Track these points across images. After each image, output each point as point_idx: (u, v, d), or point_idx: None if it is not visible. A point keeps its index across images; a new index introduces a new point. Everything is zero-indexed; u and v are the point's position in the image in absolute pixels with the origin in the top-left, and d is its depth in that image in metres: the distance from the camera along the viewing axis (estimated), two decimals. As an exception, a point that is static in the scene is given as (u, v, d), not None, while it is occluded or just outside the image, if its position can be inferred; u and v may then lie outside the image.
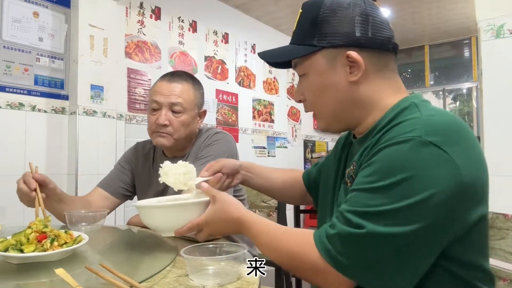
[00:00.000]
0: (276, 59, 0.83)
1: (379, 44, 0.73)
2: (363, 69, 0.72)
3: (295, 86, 4.72)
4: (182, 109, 1.27)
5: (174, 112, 1.27)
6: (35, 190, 1.07)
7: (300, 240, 0.68)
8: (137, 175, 1.42)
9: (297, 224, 2.59)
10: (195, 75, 1.52)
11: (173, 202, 0.88)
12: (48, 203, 1.14)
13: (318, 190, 1.00)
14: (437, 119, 0.63)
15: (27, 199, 1.09)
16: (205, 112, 1.39)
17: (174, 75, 1.32)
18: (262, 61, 0.87)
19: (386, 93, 0.74)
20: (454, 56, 5.18)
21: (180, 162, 0.93)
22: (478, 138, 3.59)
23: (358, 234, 0.59)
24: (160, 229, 0.88)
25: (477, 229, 0.63)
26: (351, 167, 0.75)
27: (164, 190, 1.29)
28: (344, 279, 0.61)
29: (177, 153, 1.37)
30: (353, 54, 0.71)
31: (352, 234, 0.59)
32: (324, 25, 0.73)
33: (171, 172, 0.91)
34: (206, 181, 0.95)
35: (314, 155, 4.83)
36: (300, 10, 0.79)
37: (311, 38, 0.74)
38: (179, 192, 0.96)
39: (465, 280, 0.63)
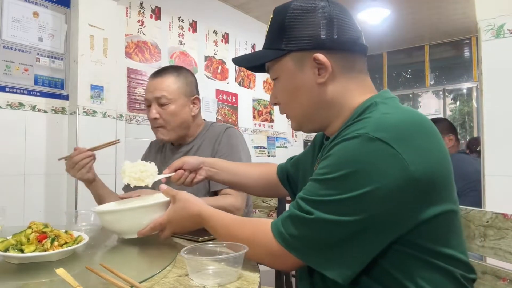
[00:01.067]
0: (248, 63, 0.85)
1: (344, 46, 0.75)
2: (330, 70, 0.74)
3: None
4: (167, 100, 1.36)
5: (161, 105, 1.36)
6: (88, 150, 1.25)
7: (257, 227, 0.73)
8: None
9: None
10: (195, 75, 1.54)
11: (133, 205, 0.91)
12: (94, 187, 1.33)
13: (296, 186, 1.03)
14: (390, 117, 0.65)
15: (83, 164, 1.26)
16: (197, 98, 1.45)
17: (159, 72, 1.42)
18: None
19: (354, 93, 0.77)
20: (454, 56, 5.18)
21: (139, 161, 0.99)
22: (477, 138, 3.59)
23: (306, 218, 0.64)
24: (122, 232, 0.90)
25: (437, 223, 0.64)
26: (316, 164, 0.81)
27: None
28: (295, 260, 0.66)
29: (181, 141, 1.45)
30: (320, 56, 0.73)
31: (301, 217, 0.65)
32: (290, 29, 0.75)
33: (128, 170, 0.96)
34: (168, 177, 1.01)
35: (314, 155, 4.83)
36: (271, 16, 0.81)
37: (279, 43, 0.77)
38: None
39: (433, 264, 0.65)
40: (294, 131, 4.62)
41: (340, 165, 0.64)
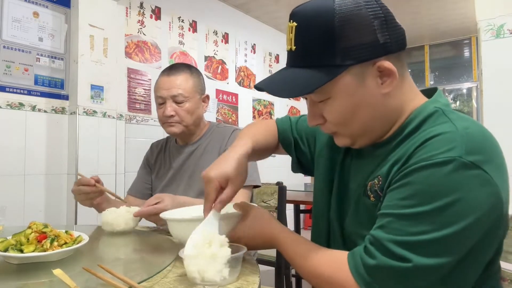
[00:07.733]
0: (291, 94, 0.65)
1: (400, 45, 0.65)
2: (397, 77, 0.64)
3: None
4: (184, 98, 1.36)
5: (177, 102, 1.36)
6: (94, 185, 1.18)
7: (337, 269, 0.63)
8: (154, 169, 1.53)
9: (297, 223, 2.59)
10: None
11: (199, 215, 0.79)
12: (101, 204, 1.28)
13: (303, 155, 0.93)
14: (473, 134, 0.58)
15: (89, 197, 1.19)
16: (208, 96, 1.47)
17: (172, 69, 1.41)
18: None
19: (409, 95, 0.69)
20: (454, 56, 5.18)
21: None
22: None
23: (403, 268, 0.55)
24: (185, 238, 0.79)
25: (498, 248, 0.63)
26: (375, 180, 0.67)
27: (174, 176, 1.40)
28: None
29: (188, 139, 1.45)
30: (385, 63, 0.63)
31: (396, 268, 0.56)
32: (344, 39, 0.61)
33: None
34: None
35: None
36: (294, 23, 0.65)
37: (331, 57, 0.62)
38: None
39: None
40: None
41: (434, 195, 0.55)
